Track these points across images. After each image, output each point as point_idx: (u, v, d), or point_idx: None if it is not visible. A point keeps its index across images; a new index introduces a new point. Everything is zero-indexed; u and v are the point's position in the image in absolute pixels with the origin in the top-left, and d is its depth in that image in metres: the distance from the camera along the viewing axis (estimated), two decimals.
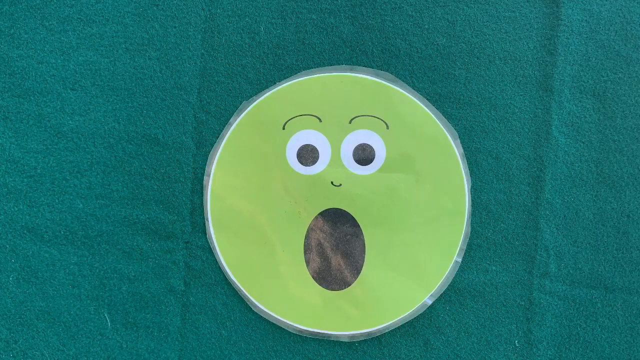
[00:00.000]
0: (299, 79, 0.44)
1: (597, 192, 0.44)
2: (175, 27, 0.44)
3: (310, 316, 0.44)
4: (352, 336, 0.44)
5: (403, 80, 0.44)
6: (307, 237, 0.44)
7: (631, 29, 0.44)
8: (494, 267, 0.44)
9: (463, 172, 0.44)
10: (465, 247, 0.44)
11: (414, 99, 0.44)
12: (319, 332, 0.44)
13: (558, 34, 0.44)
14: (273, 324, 0.44)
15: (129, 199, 0.44)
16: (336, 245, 0.44)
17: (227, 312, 0.45)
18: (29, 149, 0.44)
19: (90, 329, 0.44)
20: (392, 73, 0.44)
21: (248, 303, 0.44)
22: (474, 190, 0.44)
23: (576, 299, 0.44)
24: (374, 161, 0.44)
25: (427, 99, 0.44)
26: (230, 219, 0.44)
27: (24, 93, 0.44)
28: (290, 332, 0.44)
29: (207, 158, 0.44)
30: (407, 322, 0.44)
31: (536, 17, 0.44)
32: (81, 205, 0.44)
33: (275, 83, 0.44)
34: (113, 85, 0.44)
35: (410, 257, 0.43)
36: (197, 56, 0.44)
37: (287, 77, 0.44)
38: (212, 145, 0.44)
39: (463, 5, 0.44)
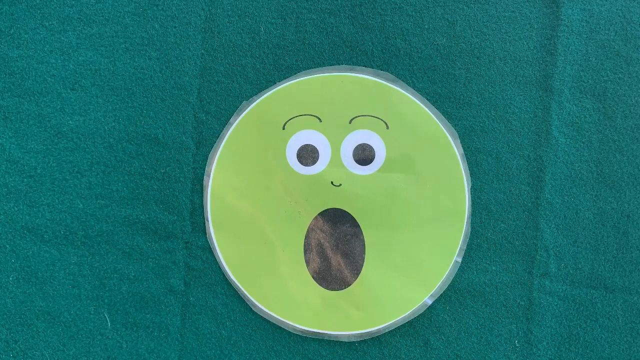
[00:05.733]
0: (299, 79, 0.44)
1: (597, 192, 0.44)
2: (175, 27, 0.44)
3: (310, 316, 0.44)
4: (352, 336, 0.44)
5: (403, 80, 0.44)
6: (307, 237, 0.44)
7: (631, 29, 0.44)
8: (494, 267, 0.44)
9: (463, 172, 0.44)
10: (465, 247, 0.44)
11: (414, 99, 0.44)
12: (319, 332, 0.44)
13: (558, 34, 0.44)
14: (273, 324, 0.44)
15: (129, 199, 0.44)
16: (336, 245, 0.44)
17: (227, 312, 0.45)
18: (29, 149, 0.44)
19: (90, 329, 0.44)
20: (392, 73, 0.44)
21: (248, 303, 0.44)
22: (474, 190, 0.44)
23: (576, 299, 0.44)
24: (374, 161, 0.44)
25: (427, 99, 0.44)
26: (230, 219, 0.44)
27: (24, 93, 0.44)
28: (290, 332, 0.44)
29: (207, 158, 0.44)
30: (407, 322, 0.44)
31: (536, 17, 0.44)
32: (81, 205, 0.44)
33: (275, 83, 0.44)
34: (113, 85, 0.44)
35: (410, 257, 0.43)
36: (197, 56, 0.44)
37: (287, 77, 0.44)
38: (212, 145, 0.44)
39: (463, 5, 0.44)
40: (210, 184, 0.44)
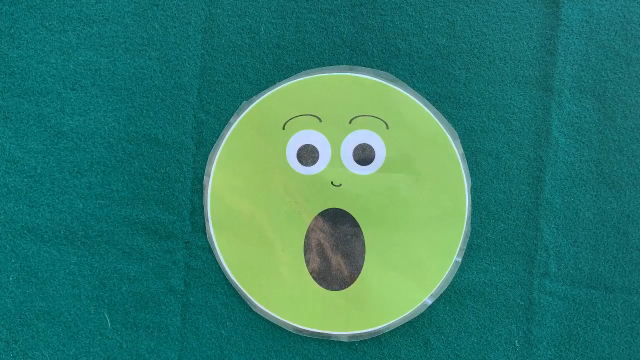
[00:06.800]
0: (299, 79, 0.44)
1: (597, 192, 0.44)
2: (175, 27, 0.44)
3: (310, 316, 0.44)
4: (352, 336, 0.44)
5: (403, 80, 0.44)
6: (307, 237, 0.44)
7: (631, 29, 0.44)
8: (494, 267, 0.44)
9: (463, 172, 0.44)
10: (465, 247, 0.44)
11: (414, 99, 0.44)
12: (319, 332, 0.44)
13: (558, 34, 0.44)
14: (273, 324, 0.44)
15: (129, 199, 0.44)
16: (336, 245, 0.44)
17: (227, 312, 0.45)
18: (29, 149, 0.44)
19: (90, 329, 0.44)
20: (392, 73, 0.44)
21: (248, 303, 0.44)
22: (474, 190, 0.44)
23: (576, 299, 0.44)
24: (374, 161, 0.44)
25: (427, 99, 0.44)
26: (230, 219, 0.44)
27: (24, 93, 0.44)
28: (290, 332, 0.44)
29: (207, 158, 0.44)
30: (407, 322, 0.44)
31: (536, 17, 0.44)
32: (81, 205, 0.44)
33: (275, 83, 0.44)
34: (113, 85, 0.44)
35: (410, 257, 0.43)
36: (197, 56, 0.44)
37: (287, 77, 0.44)
38: (212, 145, 0.44)
39: (463, 5, 0.44)
40: (210, 184, 0.44)
